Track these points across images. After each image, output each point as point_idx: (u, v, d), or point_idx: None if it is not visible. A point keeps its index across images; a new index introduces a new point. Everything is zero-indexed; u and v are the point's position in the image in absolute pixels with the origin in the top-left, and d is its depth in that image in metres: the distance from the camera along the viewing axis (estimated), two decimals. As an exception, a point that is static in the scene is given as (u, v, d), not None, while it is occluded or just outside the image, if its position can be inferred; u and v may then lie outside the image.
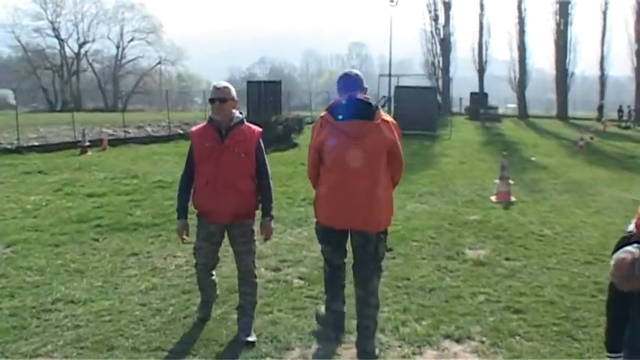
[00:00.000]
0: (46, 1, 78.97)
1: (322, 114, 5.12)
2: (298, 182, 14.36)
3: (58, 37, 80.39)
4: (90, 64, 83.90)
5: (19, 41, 79.00)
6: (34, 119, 33.59)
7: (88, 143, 21.68)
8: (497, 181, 13.15)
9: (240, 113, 5.35)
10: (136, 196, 12.42)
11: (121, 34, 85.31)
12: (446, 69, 69.32)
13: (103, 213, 10.61)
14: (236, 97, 5.29)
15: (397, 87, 34.98)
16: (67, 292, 6.51)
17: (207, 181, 5.16)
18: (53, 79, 79.41)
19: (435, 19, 69.31)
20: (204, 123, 5.39)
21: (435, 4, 69.18)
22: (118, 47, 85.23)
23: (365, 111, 4.95)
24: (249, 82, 29.61)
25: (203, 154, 5.18)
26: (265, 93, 26.35)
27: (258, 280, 5.61)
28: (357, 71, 5.34)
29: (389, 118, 5.11)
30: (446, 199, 12.83)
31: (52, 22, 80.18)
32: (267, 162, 5.36)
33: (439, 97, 52.79)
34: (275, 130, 23.25)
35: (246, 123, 5.31)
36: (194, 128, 5.41)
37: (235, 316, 5.58)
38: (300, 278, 7.12)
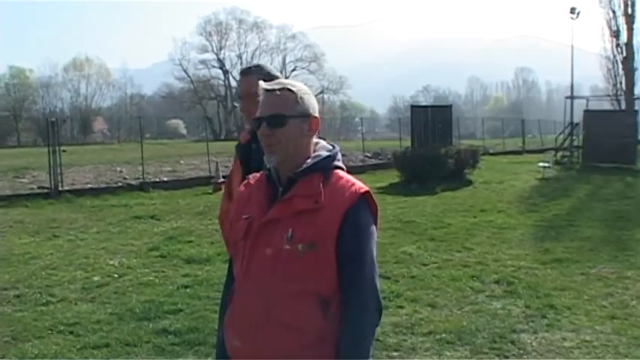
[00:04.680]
0: (211, 33, 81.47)
1: None
2: (483, 242, 9.99)
3: (222, 68, 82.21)
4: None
5: (187, 73, 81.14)
6: (191, 149, 31.82)
7: (221, 179, 18.64)
8: None
9: (332, 147, 2.48)
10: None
11: (284, 64, 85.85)
12: (630, 89, 61.87)
13: (187, 301, 7.01)
14: (312, 111, 2.40)
15: (586, 111, 29.64)
16: None
17: (232, 299, 2.45)
18: (218, 108, 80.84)
19: (616, 34, 62.28)
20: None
21: (615, 18, 62.15)
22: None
23: None
24: (413, 107, 26.10)
25: (238, 237, 2.45)
26: (433, 120, 22.26)
27: None
28: None
29: None
30: None
31: (216, 54, 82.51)
32: (372, 262, 2.32)
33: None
34: (445, 164, 19.35)
35: (337, 172, 2.40)
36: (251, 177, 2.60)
37: None
38: None
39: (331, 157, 2.39)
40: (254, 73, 3.25)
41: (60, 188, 17.54)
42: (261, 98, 2.37)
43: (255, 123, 2.38)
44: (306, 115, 2.34)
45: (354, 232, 2.26)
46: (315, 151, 2.39)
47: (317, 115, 2.39)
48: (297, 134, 2.33)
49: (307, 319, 2.23)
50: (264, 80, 2.77)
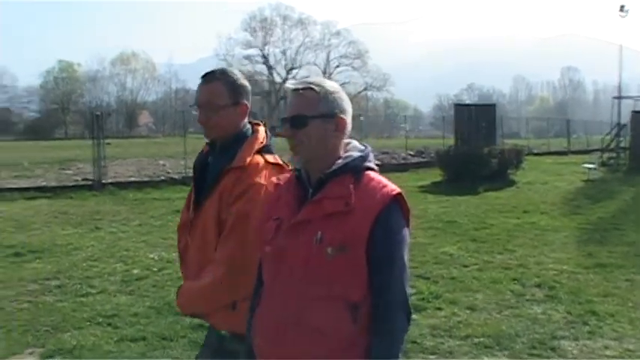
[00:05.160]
0: (256, 29, 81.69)
1: None
2: (525, 245, 9.82)
3: (266, 63, 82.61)
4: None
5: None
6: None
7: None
8: None
9: (364, 147, 2.41)
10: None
11: (328, 61, 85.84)
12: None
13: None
14: (338, 111, 2.31)
15: (634, 112, 28.89)
16: None
17: (261, 300, 2.42)
18: (262, 104, 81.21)
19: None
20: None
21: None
22: (324, 73, 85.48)
23: None
24: (457, 105, 25.72)
25: (267, 238, 2.39)
26: (477, 119, 21.98)
27: None
28: None
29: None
30: None
31: (261, 50, 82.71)
32: (403, 267, 2.25)
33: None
34: (488, 164, 19.08)
35: (368, 173, 2.32)
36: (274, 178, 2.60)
37: None
38: None
39: (362, 158, 2.32)
40: (218, 79, 2.83)
41: (103, 181, 17.79)
42: (288, 98, 2.33)
43: (281, 123, 2.33)
44: (330, 115, 2.27)
45: (386, 235, 2.20)
46: (346, 152, 2.33)
47: (344, 114, 2.31)
48: (321, 135, 2.26)
49: (336, 323, 2.19)
50: (230, 89, 2.82)
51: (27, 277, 8.04)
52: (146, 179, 18.97)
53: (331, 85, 2.31)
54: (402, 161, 25.61)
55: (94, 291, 7.35)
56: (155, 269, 8.34)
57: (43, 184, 17.91)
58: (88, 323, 6.20)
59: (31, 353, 5.54)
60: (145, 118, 77.57)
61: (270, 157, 2.86)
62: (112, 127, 58.31)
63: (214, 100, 2.80)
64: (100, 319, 6.32)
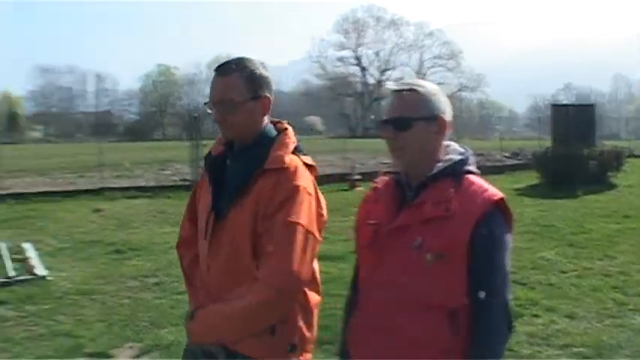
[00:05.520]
0: (349, 31, 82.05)
1: None
2: (626, 251, 9.42)
3: (359, 65, 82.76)
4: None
5: (324, 70, 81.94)
6: (327, 145, 32.14)
7: (358, 176, 18.70)
8: None
9: (465, 149, 2.34)
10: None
11: (421, 61, 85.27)
12: None
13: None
14: (441, 113, 2.25)
15: None
16: None
17: (358, 305, 2.36)
18: (355, 106, 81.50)
19: None
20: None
21: None
22: (417, 74, 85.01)
23: None
24: (554, 106, 25.01)
25: (363, 243, 2.36)
26: (574, 119, 21.29)
27: None
28: None
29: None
30: None
31: (354, 51, 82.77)
32: (504, 275, 2.17)
33: None
34: (587, 166, 18.39)
35: (469, 177, 2.25)
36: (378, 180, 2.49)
37: None
38: None
39: (463, 161, 2.26)
40: (234, 71, 2.42)
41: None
42: (387, 99, 2.29)
43: (380, 126, 2.27)
44: (433, 118, 2.22)
45: (487, 242, 2.13)
46: (446, 154, 2.27)
47: (447, 116, 2.25)
48: (424, 138, 2.22)
49: (435, 332, 2.13)
50: (248, 82, 2.41)
51: (127, 273, 8.34)
52: (241, 180, 19.28)
53: (432, 86, 2.27)
54: (497, 163, 25.13)
55: (190, 289, 7.51)
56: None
57: (143, 184, 18.56)
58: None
59: (130, 347, 5.72)
60: (239, 120, 79.19)
61: (306, 159, 2.50)
62: (207, 128, 59.76)
63: (231, 95, 2.40)
64: (197, 318, 6.43)
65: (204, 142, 20.62)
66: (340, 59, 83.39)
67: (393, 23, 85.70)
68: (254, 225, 2.33)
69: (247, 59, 2.47)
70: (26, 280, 8.05)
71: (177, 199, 15.93)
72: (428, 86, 2.25)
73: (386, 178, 2.42)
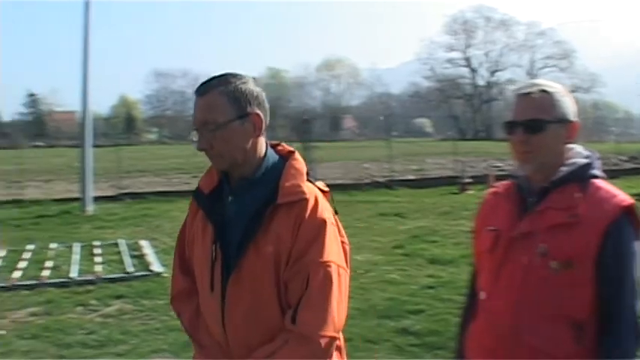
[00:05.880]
0: (458, 32, 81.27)
1: None
2: None
3: (469, 66, 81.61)
4: (501, 92, 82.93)
5: (433, 72, 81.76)
6: (437, 148, 31.97)
7: (468, 180, 18.44)
8: None
9: (589, 152, 2.24)
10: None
11: (532, 62, 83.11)
12: None
13: (429, 302, 7.00)
14: (571, 116, 2.19)
15: None
16: None
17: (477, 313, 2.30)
18: (464, 108, 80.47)
19: None
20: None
21: None
22: (528, 75, 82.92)
23: None
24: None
25: (482, 249, 2.29)
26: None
27: None
28: None
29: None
30: None
31: (463, 53, 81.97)
32: (633, 286, 2.06)
33: None
34: None
35: (595, 181, 2.15)
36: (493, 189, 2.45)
37: None
38: None
39: (588, 165, 2.17)
40: (214, 88, 2.06)
41: (311, 182, 18.48)
42: (514, 102, 2.19)
43: (507, 128, 2.18)
44: (565, 120, 2.14)
45: (615, 251, 2.03)
46: (569, 158, 2.18)
47: (576, 119, 2.17)
48: (555, 141, 2.14)
49: (559, 343, 2.06)
50: (232, 98, 2.05)
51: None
52: (351, 182, 19.39)
53: (559, 87, 2.20)
54: (613, 167, 24.09)
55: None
56: (361, 271, 8.44)
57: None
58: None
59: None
60: (349, 122, 79.69)
61: (320, 184, 2.23)
62: (317, 130, 60.48)
63: (213, 115, 2.04)
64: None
65: (313, 144, 20.92)
66: (449, 61, 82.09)
67: (503, 23, 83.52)
68: (277, 271, 2.02)
69: (232, 74, 2.11)
70: (143, 275, 8.47)
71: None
72: (557, 87, 2.19)
73: (505, 183, 2.36)
